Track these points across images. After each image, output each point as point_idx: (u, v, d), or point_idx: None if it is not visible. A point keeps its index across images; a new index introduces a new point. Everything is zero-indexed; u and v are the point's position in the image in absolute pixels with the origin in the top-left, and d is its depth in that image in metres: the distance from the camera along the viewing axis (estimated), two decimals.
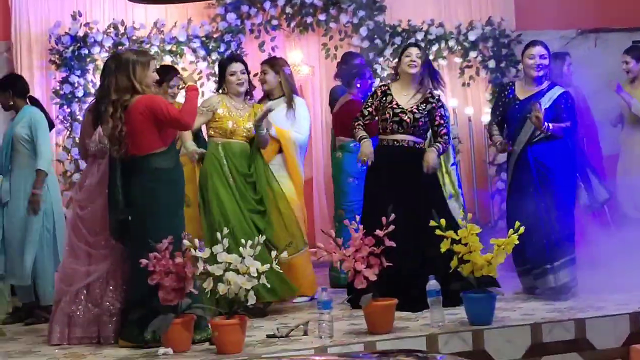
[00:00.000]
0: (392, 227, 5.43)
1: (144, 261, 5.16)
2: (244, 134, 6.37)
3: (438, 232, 5.47)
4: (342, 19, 8.95)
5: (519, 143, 6.40)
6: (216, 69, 7.24)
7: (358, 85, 7.64)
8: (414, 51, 6.40)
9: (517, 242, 5.49)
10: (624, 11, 9.25)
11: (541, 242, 6.19)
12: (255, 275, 5.08)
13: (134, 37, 8.49)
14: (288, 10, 8.85)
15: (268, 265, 5.13)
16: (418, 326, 5.58)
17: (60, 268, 6.05)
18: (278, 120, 6.63)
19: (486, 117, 8.26)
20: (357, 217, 5.75)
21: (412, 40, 8.79)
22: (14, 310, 6.87)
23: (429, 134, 6.48)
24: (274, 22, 8.84)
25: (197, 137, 6.77)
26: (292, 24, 8.93)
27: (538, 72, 6.42)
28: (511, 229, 5.54)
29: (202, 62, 8.65)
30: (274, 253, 5.37)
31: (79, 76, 8.30)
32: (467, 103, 9.18)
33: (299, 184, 6.80)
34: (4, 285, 6.84)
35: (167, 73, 6.77)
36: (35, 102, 6.98)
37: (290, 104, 6.73)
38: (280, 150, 6.69)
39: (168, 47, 8.55)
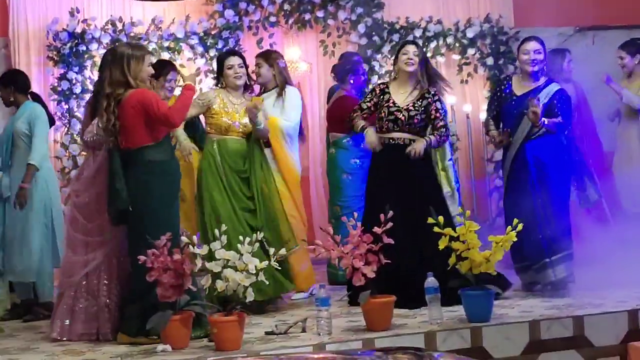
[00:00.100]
0: (389, 225, 5.42)
1: (142, 258, 5.16)
2: (240, 130, 6.35)
3: (436, 229, 5.48)
4: (340, 16, 8.95)
5: (516, 140, 6.39)
6: (214, 65, 7.23)
7: (351, 82, 7.64)
8: (411, 49, 6.38)
9: (515, 239, 5.49)
10: (621, 9, 9.25)
11: (538, 237, 6.19)
12: (254, 272, 5.08)
13: (132, 34, 8.48)
14: (286, 7, 8.85)
15: (266, 262, 5.12)
16: (416, 323, 5.58)
17: (61, 264, 6.04)
18: (266, 108, 6.56)
19: (484, 114, 8.24)
20: (355, 213, 5.74)
21: (410, 37, 8.80)
22: (13, 307, 6.86)
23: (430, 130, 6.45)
24: (272, 18, 8.83)
25: (194, 124, 6.76)
26: (290, 21, 8.92)
27: (533, 67, 6.42)
28: (509, 226, 5.54)
29: (200, 58, 8.63)
30: (271, 250, 5.37)
31: (76, 73, 8.29)
32: (465, 100, 9.17)
33: (293, 178, 6.72)
34: (3, 282, 6.82)
35: (164, 67, 6.77)
36: (37, 98, 6.97)
37: (280, 93, 6.70)
38: (269, 145, 6.59)
39: (166, 44, 8.54)
